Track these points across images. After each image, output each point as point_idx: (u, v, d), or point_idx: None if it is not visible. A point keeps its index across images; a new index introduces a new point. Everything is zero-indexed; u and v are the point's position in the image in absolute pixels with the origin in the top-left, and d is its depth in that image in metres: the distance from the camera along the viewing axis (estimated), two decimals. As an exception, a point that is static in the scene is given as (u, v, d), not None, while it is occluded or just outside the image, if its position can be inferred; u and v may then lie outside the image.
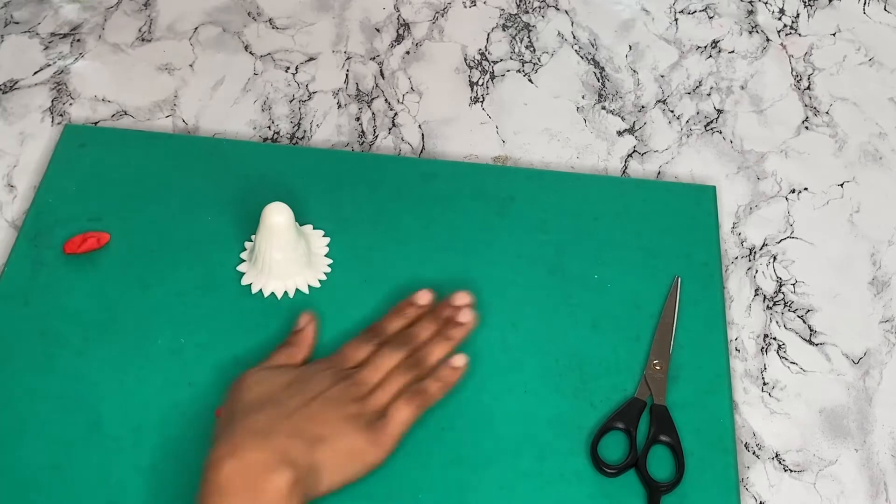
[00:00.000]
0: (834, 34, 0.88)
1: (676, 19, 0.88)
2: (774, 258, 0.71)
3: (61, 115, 0.77)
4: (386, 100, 0.80)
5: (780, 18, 0.89)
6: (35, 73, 0.80)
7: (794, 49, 0.86)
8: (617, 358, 0.63)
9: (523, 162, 0.76)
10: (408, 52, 0.84)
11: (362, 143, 0.77)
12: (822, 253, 0.72)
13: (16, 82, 0.79)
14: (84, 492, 0.56)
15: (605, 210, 0.71)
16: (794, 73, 0.84)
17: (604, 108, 0.80)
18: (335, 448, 0.53)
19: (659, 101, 0.81)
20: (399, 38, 0.85)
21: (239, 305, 0.64)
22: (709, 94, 0.82)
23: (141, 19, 0.85)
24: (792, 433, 0.63)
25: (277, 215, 0.62)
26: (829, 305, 0.69)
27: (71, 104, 0.78)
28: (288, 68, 0.82)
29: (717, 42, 0.86)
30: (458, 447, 0.59)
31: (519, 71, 0.83)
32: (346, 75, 0.82)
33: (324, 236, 0.68)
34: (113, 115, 0.77)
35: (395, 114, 0.79)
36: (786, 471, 0.61)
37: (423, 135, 0.78)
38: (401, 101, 0.80)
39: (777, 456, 0.62)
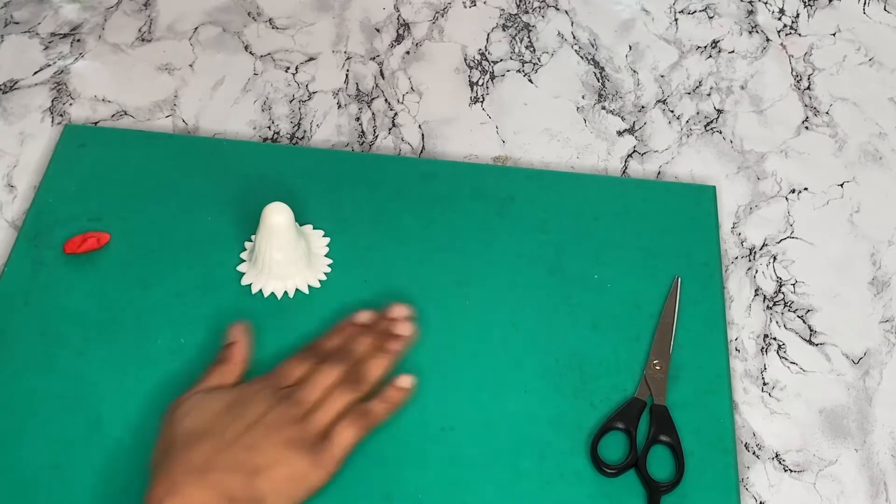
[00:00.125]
0: (834, 34, 0.88)
1: (676, 19, 0.88)
2: (774, 258, 0.71)
3: (61, 115, 0.77)
4: (386, 100, 0.80)
5: (780, 18, 0.89)
6: (35, 73, 0.80)
7: (794, 49, 0.86)
8: (617, 358, 0.63)
9: (523, 162, 0.76)
10: (408, 52, 0.84)
11: (362, 143, 0.77)
12: (822, 253, 0.72)
13: (16, 82, 0.79)
14: (84, 492, 0.56)
15: (605, 210, 0.71)
16: (794, 73, 0.84)
17: (604, 108, 0.80)
18: (277, 476, 0.52)
19: (659, 101, 0.81)
20: (399, 38, 0.85)
21: (239, 305, 0.64)
22: (709, 94, 0.82)
23: (141, 19, 0.85)
24: (792, 433, 0.63)
25: (277, 215, 0.62)
26: (829, 305, 0.69)
27: (71, 104, 0.78)
28: (288, 68, 0.82)
29: (717, 42, 0.86)
30: (458, 447, 0.59)
31: (519, 71, 0.83)
32: (346, 75, 0.82)
33: (324, 236, 0.68)
34: (113, 115, 0.77)
35: (395, 114, 0.79)
36: (786, 471, 0.61)
37: (423, 135, 0.78)
38: (401, 101, 0.80)
39: (777, 456, 0.62)
